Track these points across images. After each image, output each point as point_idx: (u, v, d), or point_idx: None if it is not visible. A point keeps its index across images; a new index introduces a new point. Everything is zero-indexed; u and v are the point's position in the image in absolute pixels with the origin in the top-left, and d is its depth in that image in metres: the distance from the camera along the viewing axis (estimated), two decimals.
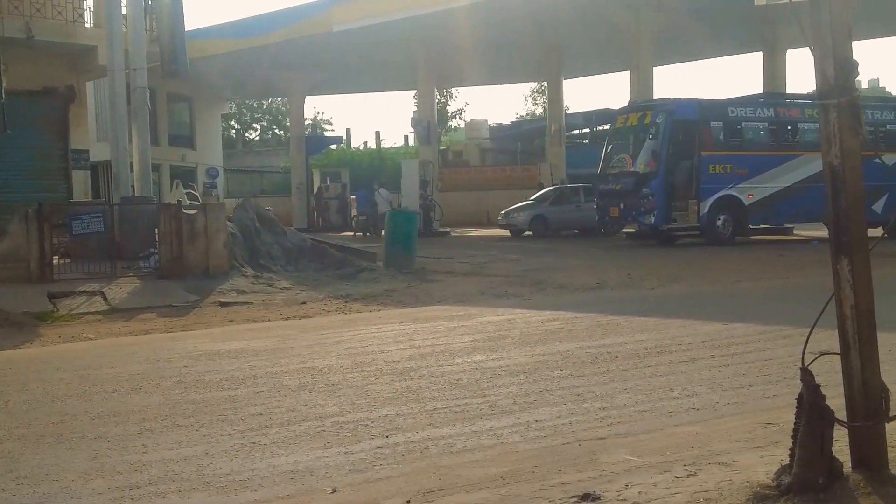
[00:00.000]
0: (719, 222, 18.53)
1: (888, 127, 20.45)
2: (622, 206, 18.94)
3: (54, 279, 11.19)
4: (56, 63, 18.90)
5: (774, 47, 24.68)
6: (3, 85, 13.45)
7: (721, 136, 18.93)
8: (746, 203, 18.70)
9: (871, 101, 21.80)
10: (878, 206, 18.95)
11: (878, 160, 16.94)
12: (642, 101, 20.54)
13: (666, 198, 18.23)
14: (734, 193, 18.56)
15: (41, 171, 16.24)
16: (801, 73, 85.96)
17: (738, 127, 19.19)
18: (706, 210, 18.29)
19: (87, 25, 19.38)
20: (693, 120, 18.51)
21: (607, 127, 24.26)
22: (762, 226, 19.80)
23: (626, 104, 21.46)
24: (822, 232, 20.69)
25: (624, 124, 19.78)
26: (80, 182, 19.77)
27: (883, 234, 8.72)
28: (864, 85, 45.21)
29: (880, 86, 49.40)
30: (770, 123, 19.57)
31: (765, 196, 18.85)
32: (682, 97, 20.67)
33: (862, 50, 51.47)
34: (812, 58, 3.27)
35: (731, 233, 18.70)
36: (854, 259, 3.23)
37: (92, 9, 19.25)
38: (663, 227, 18.71)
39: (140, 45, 14.85)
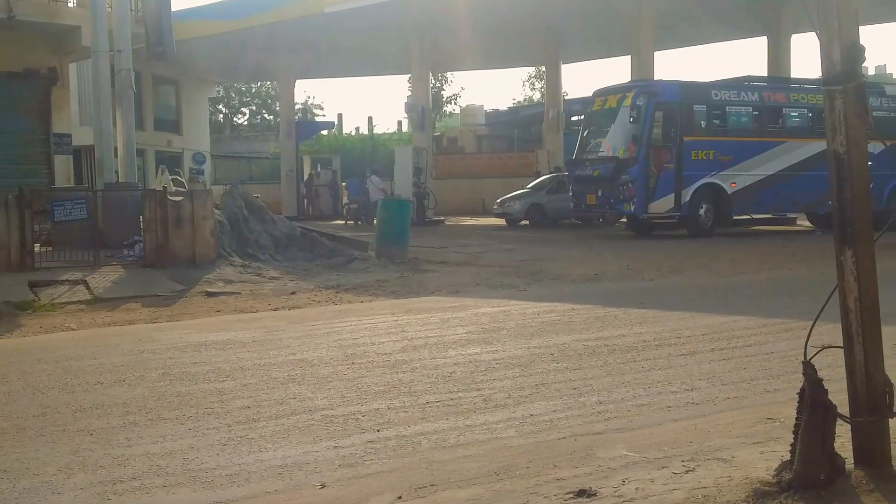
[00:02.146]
0: (702, 211, 17.86)
1: (874, 114, 20.35)
2: (600, 193, 18.03)
3: (35, 268, 11.03)
4: (38, 44, 18.64)
5: (778, 32, 24.41)
6: None
7: (704, 121, 18.23)
8: (729, 192, 18.04)
9: None
10: None
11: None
12: (624, 83, 19.81)
13: (646, 185, 17.33)
14: (717, 181, 17.86)
15: (22, 156, 16.06)
16: (806, 58, 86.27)
17: (722, 111, 18.48)
18: (688, 198, 17.57)
19: (71, 5, 19.14)
20: (675, 103, 17.70)
21: None
22: (744, 216, 19.24)
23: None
24: (807, 223, 20.71)
25: (602, 107, 18.86)
26: (63, 167, 19.56)
27: (886, 226, 8.49)
28: (871, 71, 45.01)
29: (888, 72, 49.40)
30: (754, 108, 18.81)
31: (748, 184, 18.20)
32: (664, 79, 20.08)
33: (869, 35, 51.61)
34: (818, 42, 3.18)
35: (713, 223, 18.06)
36: (858, 250, 3.15)
37: None
38: (643, 215, 17.98)
39: (125, 26, 14.59)
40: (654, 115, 17.30)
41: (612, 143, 17.93)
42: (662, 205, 17.53)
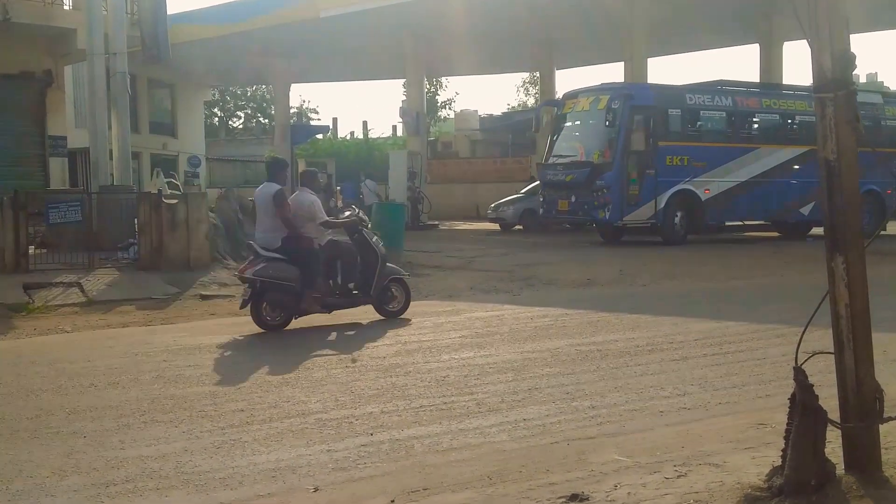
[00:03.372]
0: (677, 219, 17.14)
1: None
2: (573, 198, 17.13)
3: (30, 270, 10.98)
4: (33, 46, 18.58)
5: (771, 39, 24.50)
6: None
7: (678, 125, 17.51)
8: (703, 198, 17.33)
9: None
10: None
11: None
12: (596, 85, 19.00)
13: (621, 191, 16.51)
14: (691, 188, 17.18)
15: (17, 158, 15.99)
16: (797, 65, 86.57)
17: (696, 116, 17.86)
18: (663, 205, 16.83)
19: (67, 7, 19.06)
20: (650, 107, 16.99)
21: None
22: (717, 223, 18.64)
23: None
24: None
25: (573, 109, 18.00)
26: (58, 170, 19.49)
27: (877, 233, 8.39)
28: (862, 79, 45.37)
29: (878, 80, 49.71)
30: (728, 113, 18.18)
31: (721, 191, 17.54)
32: (638, 82, 19.66)
33: (860, 43, 51.81)
34: (809, 50, 3.21)
35: (686, 230, 17.39)
36: (849, 257, 3.18)
37: None
38: (618, 223, 17.11)
39: (121, 29, 14.58)
40: (630, 119, 16.59)
41: (586, 147, 17.21)
42: (638, 212, 16.85)
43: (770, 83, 21.79)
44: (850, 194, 3.20)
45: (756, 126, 18.65)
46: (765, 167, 17.87)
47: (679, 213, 17.16)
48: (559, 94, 22.96)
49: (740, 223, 19.83)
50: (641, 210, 16.81)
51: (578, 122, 18.03)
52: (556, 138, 18.33)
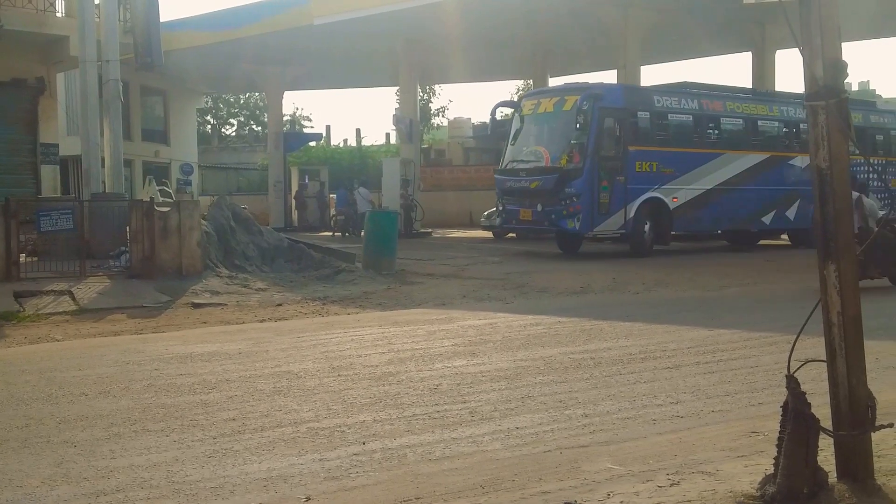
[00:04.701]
0: (646, 228, 16.07)
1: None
2: (539, 207, 15.71)
3: (21, 278, 10.94)
4: (25, 54, 18.56)
5: (763, 47, 24.69)
6: None
7: (648, 129, 16.43)
8: (671, 206, 16.32)
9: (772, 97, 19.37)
10: (791, 213, 17.92)
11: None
12: (558, 85, 18.15)
13: (592, 199, 15.27)
14: (659, 195, 16.11)
15: (8, 166, 15.91)
16: (790, 73, 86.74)
17: (664, 119, 16.73)
18: (632, 214, 15.71)
19: (59, 15, 19.05)
20: (620, 108, 15.91)
21: None
22: (683, 232, 17.69)
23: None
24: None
25: (534, 111, 16.61)
26: (49, 177, 19.44)
27: (869, 241, 8.33)
28: (854, 87, 45.73)
29: (871, 88, 50.10)
30: (694, 117, 17.12)
31: (689, 199, 16.59)
32: (604, 82, 18.58)
33: (852, 51, 52.13)
34: (801, 58, 3.22)
35: (652, 241, 16.33)
36: (841, 265, 3.18)
37: None
38: (589, 234, 15.99)
39: (113, 36, 14.54)
40: (600, 122, 15.45)
41: (551, 152, 15.87)
42: (609, 221, 15.68)
43: (738, 87, 20.69)
44: (842, 202, 3.21)
45: (721, 131, 17.71)
46: (731, 174, 17.12)
47: (648, 223, 16.14)
48: None
49: (689, 234, 18.85)
50: (612, 220, 15.70)
51: (541, 125, 16.61)
52: (516, 142, 16.90)
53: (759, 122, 18.14)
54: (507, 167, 16.85)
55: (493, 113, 17.74)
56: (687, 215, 16.75)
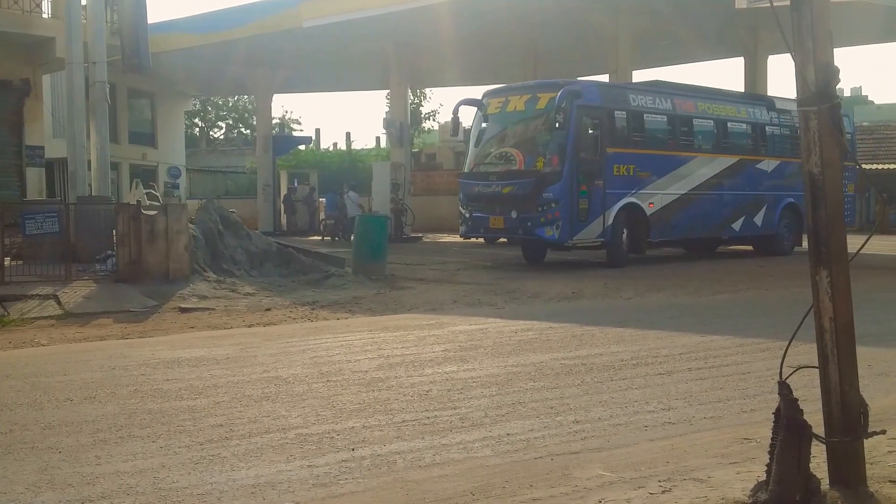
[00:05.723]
0: (624, 236, 15.11)
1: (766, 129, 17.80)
2: (514, 214, 14.44)
3: (5, 282, 10.83)
4: (11, 55, 18.43)
5: (755, 52, 24.77)
6: None
7: (625, 130, 15.35)
8: (648, 213, 15.39)
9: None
10: (759, 219, 17.36)
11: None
12: (527, 82, 17.07)
13: (572, 206, 14.16)
14: (636, 201, 15.18)
15: None
16: (782, 78, 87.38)
17: (640, 119, 15.62)
18: (611, 221, 14.67)
19: (45, 16, 18.92)
20: (598, 107, 14.82)
21: None
22: (661, 240, 16.58)
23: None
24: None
25: (502, 109, 15.32)
26: (35, 180, 19.32)
27: (862, 246, 8.25)
28: (847, 92, 46.03)
29: (863, 94, 50.52)
30: (668, 117, 16.13)
31: (664, 205, 15.72)
32: (580, 78, 17.71)
33: (844, 57, 52.52)
34: (793, 63, 3.22)
35: (628, 250, 15.40)
36: (833, 270, 3.18)
37: None
38: (568, 243, 14.78)
39: (100, 38, 14.46)
40: (579, 121, 14.32)
41: (525, 154, 14.73)
42: (588, 229, 14.54)
43: (710, 87, 19.56)
44: (833, 207, 3.20)
45: (694, 132, 16.72)
46: (703, 178, 16.36)
47: (625, 231, 15.13)
48: None
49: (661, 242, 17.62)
50: (591, 227, 14.56)
51: (511, 125, 15.34)
52: (481, 144, 15.63)
53: (730, 124, 17.38)
54: (474, 171, 15.52)
55: (456, 112, 16.17)
56: (663, 222, 15.86)
